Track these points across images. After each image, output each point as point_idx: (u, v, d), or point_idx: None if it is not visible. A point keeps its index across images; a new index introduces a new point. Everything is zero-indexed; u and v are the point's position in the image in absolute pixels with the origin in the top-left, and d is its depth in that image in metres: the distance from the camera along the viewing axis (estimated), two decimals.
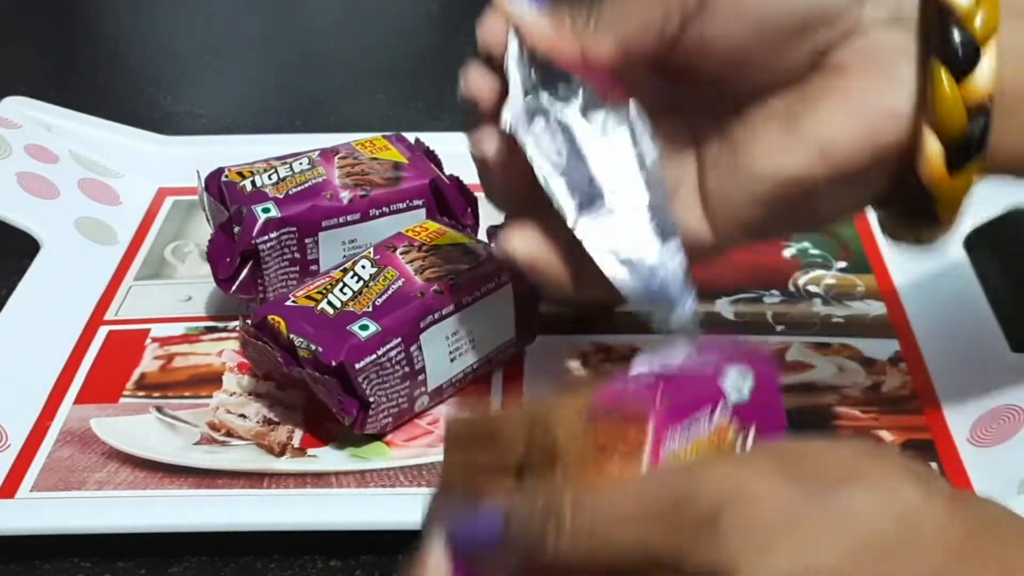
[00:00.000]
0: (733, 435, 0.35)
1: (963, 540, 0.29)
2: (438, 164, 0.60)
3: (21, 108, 0.69)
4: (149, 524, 0.46)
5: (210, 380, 0.54)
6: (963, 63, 0.39)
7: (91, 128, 0.70)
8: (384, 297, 0.50)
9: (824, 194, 0.41)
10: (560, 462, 0.32)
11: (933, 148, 0.39)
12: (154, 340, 0.57)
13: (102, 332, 0.57)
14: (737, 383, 0.35)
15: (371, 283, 0.51)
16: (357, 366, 0.47)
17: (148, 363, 0.55)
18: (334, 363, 0.47)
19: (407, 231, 0.54)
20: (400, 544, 0.46)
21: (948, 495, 0.30)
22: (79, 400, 0.53)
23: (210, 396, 0.53)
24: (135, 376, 0.54)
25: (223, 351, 0.56)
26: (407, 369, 0.49)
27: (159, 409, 0.52)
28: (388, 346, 0.48)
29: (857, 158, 0.40)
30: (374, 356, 0.48)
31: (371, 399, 0.48)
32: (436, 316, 0.50)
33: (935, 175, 0.40)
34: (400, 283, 0.50)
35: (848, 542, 0.29)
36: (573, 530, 0.31)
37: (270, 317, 0.50)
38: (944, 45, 0.39)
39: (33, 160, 0.65)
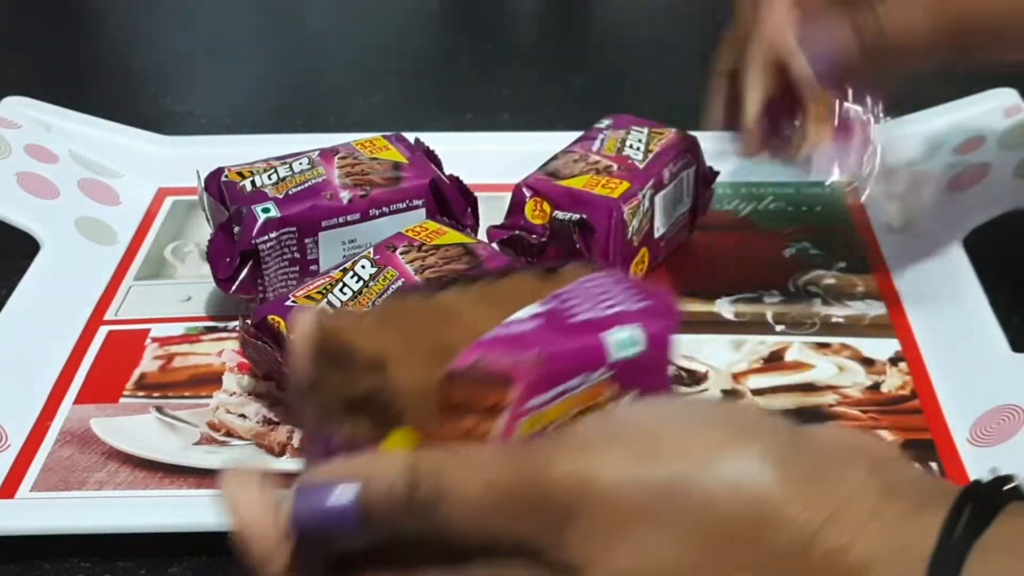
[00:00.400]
0: (608, 397, 0.33)
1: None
2: (438, 164, 0.60)
3: (21, 108, 0.69)
4: (149, 524, 0.46)
5: (210, 380, 0.54)
6: None
7: (91, 128, 0.70)
8: (384, 297, 0.50)
9: None
10: (403, 413, 0.30)
11: None
12: (154, 340, 0.57)
13: (102, 332, 0.57)
14: (625, 343, 0.33)
15: (371, 283, 0.51)
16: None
17: (148, 363, 0.55)
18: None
19: (407, 231, 0.54)
20: None
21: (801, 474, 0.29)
22: (79, 400, 0.53)
23: (210, 396, 0.53)
24: (135, 376, 0.54)
25: (223, 351, 0.56)
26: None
27: (159, 409, 0.52)
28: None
29: None
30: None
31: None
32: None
33: None
34: (400, 283, 0.50)
35: (691, 539, 0.29)
36: (439, 515, 0.29)
37: (270, 317, 0.50)
38: None
39: (33, 160, 0.65)
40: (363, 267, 0.51)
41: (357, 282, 0.51)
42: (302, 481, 0.30)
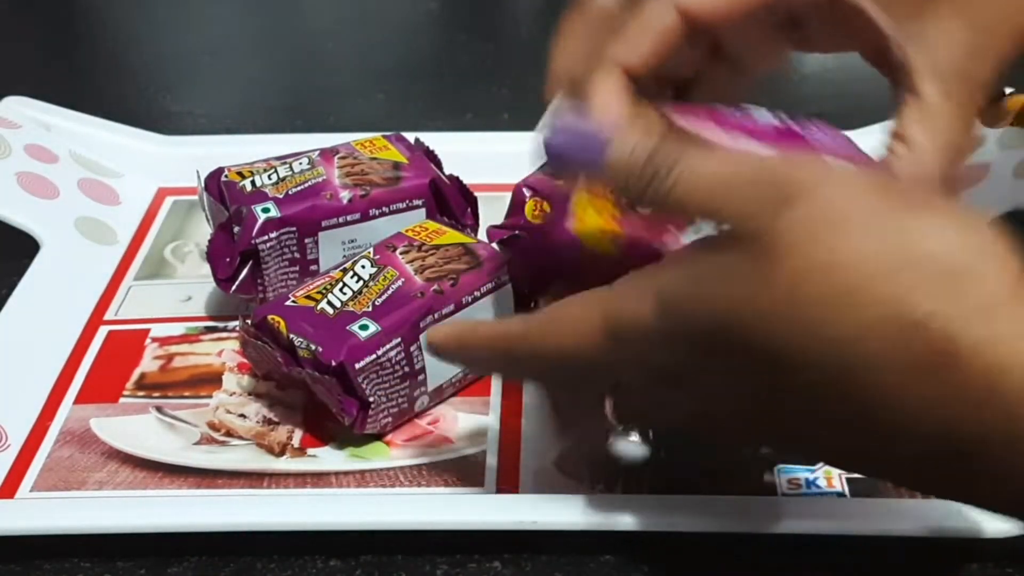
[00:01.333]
0: None
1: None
2: (438, 164, 0.60)
3: (21, 108, 0.69)
4: (149, 524, 0.46)
5: (210, 380, 0.54)
6: None
7: (91, 128, 0.70)
8: (384, 297, 0.50)
9: None
10: None
11: None
12: (154, 340, 0.57)
13: (102, 332, 0.57)
14: None
15: (371, 283, 0.51)
16: (357, 366, 0.47)
17: (148, 363, 0.55)
18: (334, 363, 0.47)
19: (407, 231, 0.54)
20: (400, 544, 0.46)
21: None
22: (79, 400, 0.53)
23: (210, 396, 0.53)
24: (135, 376, 0.54)
25: (223, 351, 0.56)
26: (407, 369, 0.49)
27: (159, 409, 0.52)
28: (388, 346, 0.48)
29: None
30: (374, 356, 0.48)
31: (371, 399, 0.48)
32: (436, 316, 0.50)
33: None
34: (400, 283, 0.50)
35: (892, 259, 0.31)
36: (668, 176, 0.34)
37: (270, 317, 0.50)
38: None
39: (33, 160, 0.65)
40: (363, 267, 0.51)
41: (357, 282, 0.51)
42: (563, 113, 0.37)
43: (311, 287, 0.51)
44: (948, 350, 0.30)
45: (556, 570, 0.45)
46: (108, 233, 0.64)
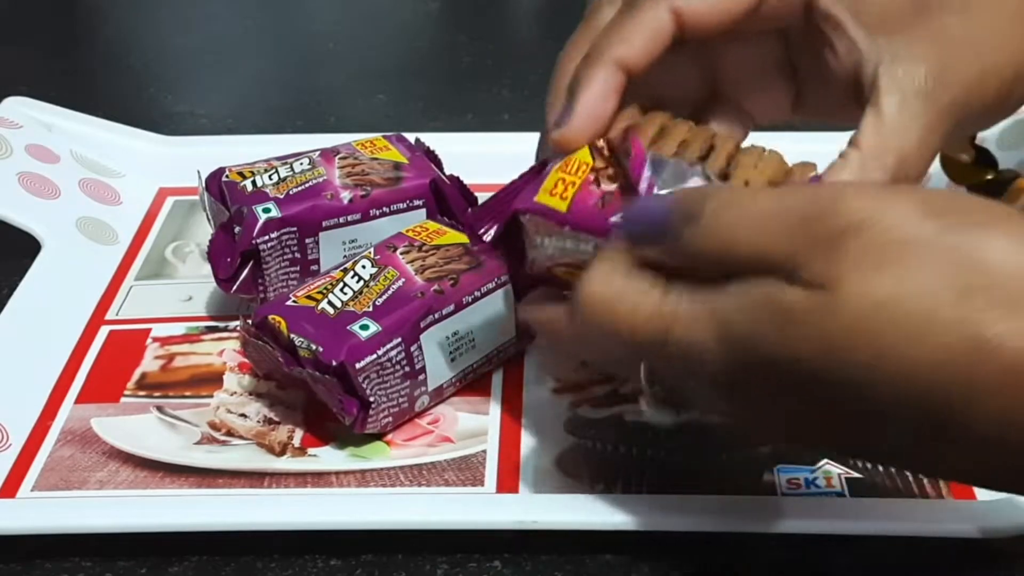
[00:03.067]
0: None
1: None
2: (438, 164, 0.60)
3: (22, 108, 0.69)
4: (149, 524, 0.46)
5: (211, 380, 0.54)
6: None
7: (92, 128, 0.70)
8: (384, 297, 0.50)
9: None
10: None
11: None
12: (155, 340, 0.57)
13: (103, 332, 0.57)
14: None
15: (371, 283, 0.51)
16: (357, 366, 0.47)
17: (149, 363, 0.55)
18: (334, 363, 0.47)
19: (407, 231, 0.54)
20: (400, 544, 0.46)
21: None
22: (80, 400, 0.53)
23: (211, 396, 0.53)
24: (136, 376, 0.54)
25: (224, 351, 0.56)
26: (407, 369, 0.49)
27: (160, 409, 0.52)
28: (388, 346, 0.48)
29: None
30: (374, 356, 0.48)
31: (371, 399, 0.48)
32: (436, 316, 0.50)
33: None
34: (400, 283, 0.51)
35: (959, 282, 0.31)
36: (707, 223, 0.34)
37: (271, 317, 0.50)
38: None
39: (34, 160, 0.65)
40: (363, 267, 0.51)
41: (358, 282, 0.51)
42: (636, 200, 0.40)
43: (312, 287, 0.51)
44: (1020, 367, 0.30)
45: (556, 570, 0.45)
46: (109, 233, 0.64)
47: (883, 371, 0.31)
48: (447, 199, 0.58)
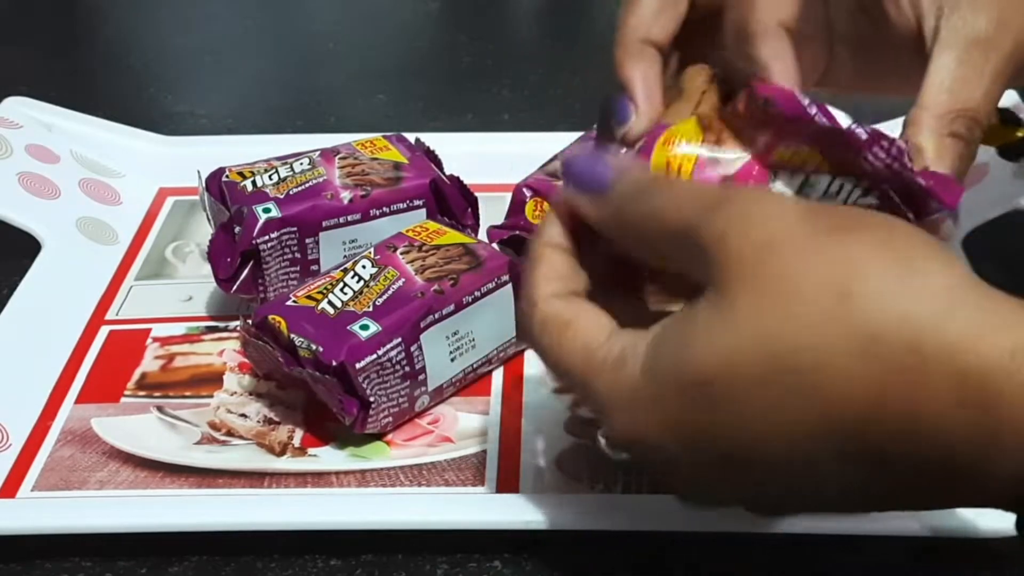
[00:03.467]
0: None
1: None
2: (438, 164, 0.60)
3: (22, 108, 0.69)
4: (149, 524, 0.46)
5: (211, 380, 0.54)
6: None
7: (92, 128, 0.70)
8: (384, 297, 0.50)
9: None
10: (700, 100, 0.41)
11: None
12: (155, 340, 0.57)
13: (103, 332, 0.57)
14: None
15: (371, 283, 0.51)
16: (357, 366, 0.47)
17: (149, 363, 0.55)
18: (335, 363, 0.47)
19: (407, 231, 0.54)
20: (400, 544, 0.46)
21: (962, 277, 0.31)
22: (80, 400, 0.53)
23: (211, 396, 0.53)
24: (136, 376, 0.54)
25: (224, 351, 0.56)
26: (407, 369, 0.49)
27: (160, 409, 0.52)
28: (388, 346, 0.48)
29: None
30: (374, 356, 0.48)
31: (371, 399, 0.48)
32: (436, 316, 0.50)
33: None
34: (400, 283, 0.51)
35: (836, 287, 0.31)
36: (628, 210, 0.36)
37: (271, 317, 0.50)
38: None
39: (34, 160, 0.65)
40: (363, 267, 0.51)
41: (358, 282, 0.51)
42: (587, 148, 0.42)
43: (312, 287, 0.51)
44: (914, 355, 0.30)
45: (556, 570, 0.45)
46: (109, 233, 0.64)
47: (776, 373, 0.31)
48: (447, 199, 0.58)
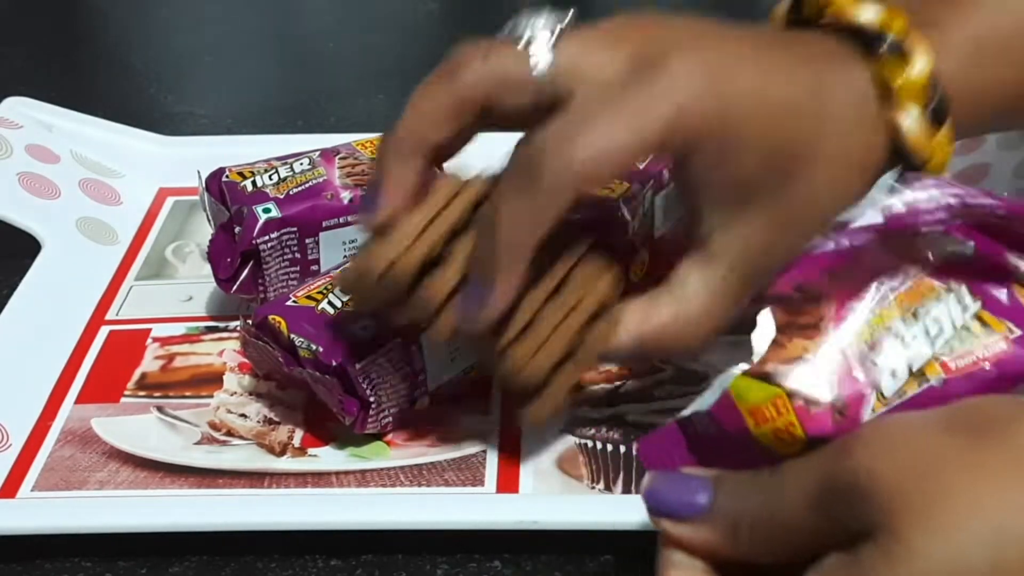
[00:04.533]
0: (936, 289, 0.36)
1: None
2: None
3: (22, 108, 0.69)
4: (149, 524, 0.46)
5: (211, 380, 0.54)
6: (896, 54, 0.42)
7: (92, 128, 0.70)
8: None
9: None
10: None
11: (910, 125, 0.42)
12: (155, 340, 0.57)
13: (103, 332, 0.57)
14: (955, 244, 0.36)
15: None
16: (357, 366, 0.47)
17: (149, 363, 0.55)
18: (334, 363, 0.47)
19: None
20: (400, 544, 0.46)
21: None
22: (80, 400, 0.53)
23: (211, 396, 0.53)
24: (136, 376, 0.54)
25: (224, 351, 0.56)
26: (407, 369, 0.49)
27: (160, 409, 0.52)
28: (388, 346, 0.48)
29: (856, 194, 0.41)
30: (373, 356, 0.48)
31: (371, 399, 0.48)
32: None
33: (920, 145, 0.42)
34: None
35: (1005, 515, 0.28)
36: (756, 530, 0.32)
37: (271, 317, 0.50)
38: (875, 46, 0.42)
39: (34, 160, 0.65)
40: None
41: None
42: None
43: (312, 287, 0.51)
44: None
45: (556, 570, 0.45)
46: (109, 233, 0.64)
47: None
48: None
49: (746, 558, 0.33)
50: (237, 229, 0.55)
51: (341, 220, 0.56)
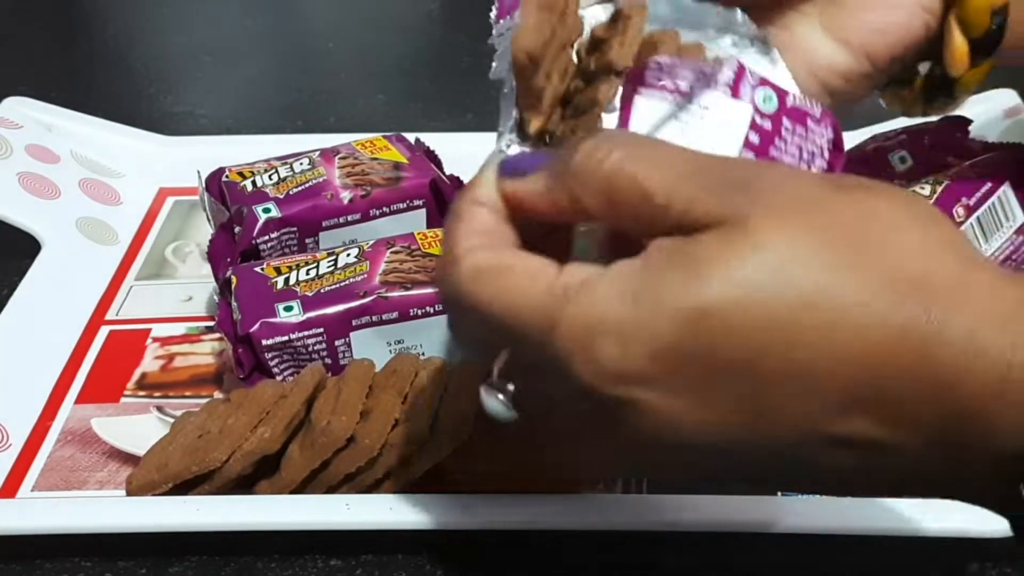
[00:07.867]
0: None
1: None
2: (438, 164, 0.60)
3: (22, 108, 0.69)
4: (150, 524, 0.46)
5: (211, 380, 0.54)
6: None
7: (92, 128, 0.70)
8: (332, 288, 0.50)
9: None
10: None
11: (958, 42, 0.45)
12: (155, 340, 0.57)
13: (103, 332, 0.57)
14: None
15: (339, 272, 0.51)
16: (264, 342, 0.49)
17: (149, 363, 0.55)
18: (241, 333, 0.49)
19: (419, 234, 0.54)
20: (400, 544, 0.46)
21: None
22: (80, 400, 0.53)
23: (211, 396, 0.53)
24: (136, 376, 0.54)
25: (224, 351, 0.56)
26: (329, 361, 0.50)
27: (160, 409, 0.52)
28: (306, 333, 0.49)
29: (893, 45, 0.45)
30: (285, 338, 0.49)
31: (279, 377, 0.49)
32: (374, 319, 0.50)
33: (958, 65, 0.45)
34: (361, 278, 0.51)
35: (867, 228, 0.30)
36: (615, 157, 0.32)
37: (230, 272, 0.52)
38: None
39: (34, 160, 0.65)
40: (348, 254, 0.52)
41: (329, 266, 0.52)
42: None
43: (291, 259, 0.52)
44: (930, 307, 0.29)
45: (556, 569, 0.45)
46: (109, 233, 0.64)
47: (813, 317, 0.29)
48: (447, 199, 0.58)
49: (573, 207, 0.33)
50: (237, 229, 0.55)
51: (341, 220, 0.56)
